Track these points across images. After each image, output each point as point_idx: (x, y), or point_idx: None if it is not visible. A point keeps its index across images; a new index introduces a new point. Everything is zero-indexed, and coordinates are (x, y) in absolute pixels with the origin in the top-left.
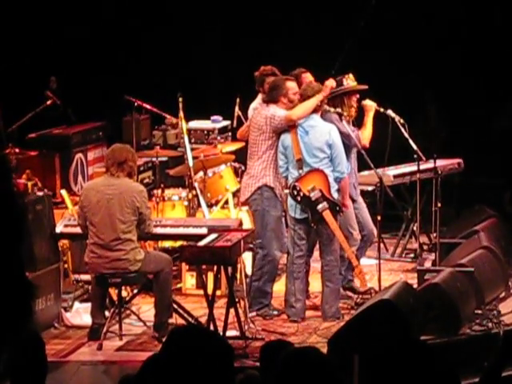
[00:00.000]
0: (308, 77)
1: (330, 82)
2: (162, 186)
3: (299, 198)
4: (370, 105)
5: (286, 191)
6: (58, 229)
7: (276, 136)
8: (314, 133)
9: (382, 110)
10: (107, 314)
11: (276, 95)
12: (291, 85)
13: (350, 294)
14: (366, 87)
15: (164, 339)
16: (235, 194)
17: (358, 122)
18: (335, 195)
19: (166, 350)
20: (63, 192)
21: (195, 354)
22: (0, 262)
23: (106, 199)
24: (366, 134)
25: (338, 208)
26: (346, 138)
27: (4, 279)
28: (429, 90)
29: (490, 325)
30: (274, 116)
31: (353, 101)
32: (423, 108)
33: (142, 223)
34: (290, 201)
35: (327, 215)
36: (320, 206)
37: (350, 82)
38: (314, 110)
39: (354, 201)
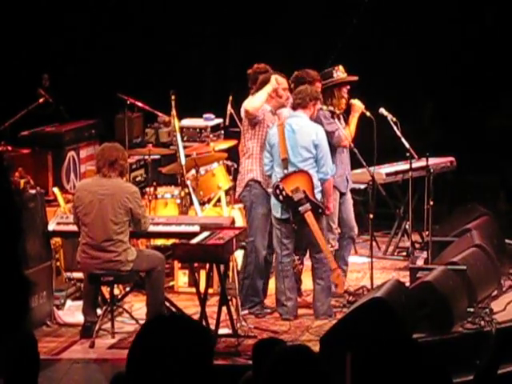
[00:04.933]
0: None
1: (274, 79)
2: (155, 183)
3: (281, 198)
4: (359, 106)
5: (269, 190)
6: (51, 227)
7: (254, 128)
8: (301, 132)
9: (368, 114)
10: (99, 311)
11: None
12: (281, 80)
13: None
14: (355, 78)
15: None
16: (227, 192)
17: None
18: (318, 196)
19: (138, 343)
20: (55, 190)
21: (169, 343)
22: None
23: (98, 200)
24: (347, 134)
25: (320, 210)
26: (330, 138)
27: (2, 276)
28: (423, 88)
29: (482, 323)
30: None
31: (343, 92)
32: (417, 106)
33: (136, 223)
34: (273, 200)
35: (309, 217)
36: (302, 208)
37: (339, 73)
38: (305, 111)
39: (343, 194)
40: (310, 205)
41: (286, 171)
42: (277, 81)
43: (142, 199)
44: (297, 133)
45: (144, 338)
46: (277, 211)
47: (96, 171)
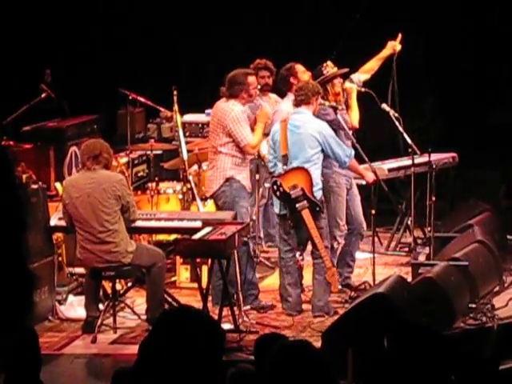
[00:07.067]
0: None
1: (266, 113)
2: (157, 179)
3: (278, 194)
4: (351, 87)
5: (267, 185)
6: (53, 222)
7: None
8: (305, 129)
9: (363, 90)
10: (101, 307)
11: (237, 90)
12: (252, 80)
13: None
14: (346, 70)
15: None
16: None
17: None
18: (318, 194)
19: (156, 334)
20: (58, 185)
21: (185, 336)
22: (3, 252)
23: (86, 194)
24: (353, 116)
25: (318, 208)
26: (336, 126)
27: (7, 270)
28: (425, 84)
29: (484, 319)
30: (239, 137)
31: (337, 86)
32: (419, 102)
33: (126, 211)
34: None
35: (305, 214)
36: (299, 205)
37: (329, 69)
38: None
39: (347, 190)
40: (308, 202)
41: (285, 167)
42: (249, 81)
43: (143, 194)
44: (300, 129)
45: (157, 334)
46: (276, 207)
47: (81, 167)
